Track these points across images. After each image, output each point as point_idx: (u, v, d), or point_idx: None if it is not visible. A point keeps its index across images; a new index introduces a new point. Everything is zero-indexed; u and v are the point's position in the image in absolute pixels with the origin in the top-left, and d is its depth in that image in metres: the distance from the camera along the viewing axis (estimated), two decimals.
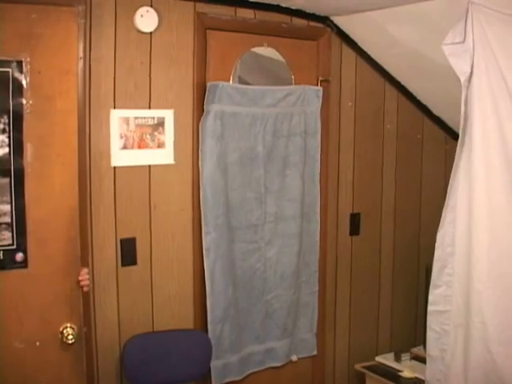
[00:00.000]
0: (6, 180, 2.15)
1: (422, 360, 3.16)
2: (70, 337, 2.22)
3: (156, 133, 2.85)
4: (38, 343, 2.24)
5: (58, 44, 2.20)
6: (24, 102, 2.16)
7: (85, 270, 2.36)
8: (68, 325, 2.25)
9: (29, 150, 2.16)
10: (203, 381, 3.01)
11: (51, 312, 2.25)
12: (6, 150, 2.15)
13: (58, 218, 2.25)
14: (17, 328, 2.19)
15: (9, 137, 2.14)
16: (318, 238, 3.39)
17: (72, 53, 2.23)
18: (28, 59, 2.15)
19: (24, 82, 2.16)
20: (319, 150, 3.32)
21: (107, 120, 2.69)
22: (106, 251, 2.73)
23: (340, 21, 3.30)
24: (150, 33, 2.77)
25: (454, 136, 3.50)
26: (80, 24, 2.59)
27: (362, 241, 3.67)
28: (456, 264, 2.67)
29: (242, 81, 3.06)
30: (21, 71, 2.15)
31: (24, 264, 2.18)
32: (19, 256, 2.17)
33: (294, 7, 3.14)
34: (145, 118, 2.81)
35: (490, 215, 2.52)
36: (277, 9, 3.10)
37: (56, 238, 2.24)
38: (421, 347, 3.56)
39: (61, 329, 2.25)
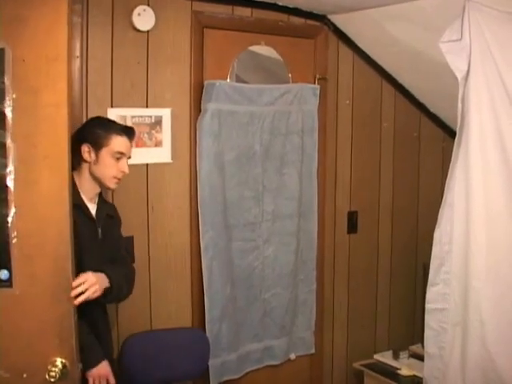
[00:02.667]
0: None
1: (420, 358, 3.16)
2: (53, 373, 1.88)
3: (153, 131, 2.85)
4: (25, 375, 1.91)
5: (46, 27, 1.89)
6: (6, 95, 1.86)
7: (87, 276, 2.11)
8: (57, 359, 1.91)
9: (12, 151, 1.86)
10: (201, 379, 3.01)
11: (39, 341, 1.93)
12: None
13: (45, 230, 1.92)
14: (2, 354, 1.90)
15: None
16: (315, 236, 3.39)
17: (61, 37, 1.91)
18: (10, 46, 1.85)
19: (6, 73, 1.85)
20: (316, 148, 3.33)
21: None
22: None
23: (337, 19, 3.30)
24: (147, 31, 2.77)
25: (451, 134, 3.50)
26: (76, 22, 2.61)
27: (359, 239, 3.67)
28: (453, 262, 2.67)
29: (239, 79, 3.06)
30: (2, 60, 1.85)
31: (9, 283, 1.90)
32: (3, 273, 1.90)
33: (291, 5, 3.14)
34: (142, 116, 2.81)
35: (487, 213, 2.52)
36: (274, 7, 3.11)
37: (43, 255, 1.92)
38: (419, 345, 3.56)
39: (48, 362, 1.91)
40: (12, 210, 1.88)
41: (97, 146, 2.35)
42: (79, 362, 1.98)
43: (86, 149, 2.35)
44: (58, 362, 1.91)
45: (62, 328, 1.94)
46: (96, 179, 2.38)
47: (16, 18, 1.86)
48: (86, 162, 2.36)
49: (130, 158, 2.46)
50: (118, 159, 2.38)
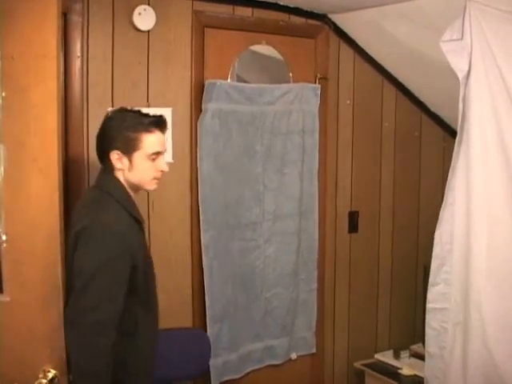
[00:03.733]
0: None
1: (421, 357, 3.16)
2: None
3: None
4: None
5: (35, 24, 1.82)
6: None
7: None
8: (48, 369, 1.84)
9: (1, 152, 1.78)
10: (202, 379, 3.01)
11: (30, 350, 1.85)
12: None
13: (34, 235, 1.83)
14: None
15: None
16: (316, 236, 3.39)
17: (50, 33, 1.84)
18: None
19: None
20: (317, 147, 3.32)
21: None
22: None
23: (338, 18, 3.30)
24: (148, 31, 2.77)
25: (452, 134, 3.49)
26: (77, 22, 2.61)
27: (360, 239, 3.67)
28: (454, 262, 2.67)
29: (240, 79, 3.07)
30: None
31: None
32: None
33: (291, 5, 3.14)
34: None
35: (488, 213, 2.52)
36: (275, 7, 3.11)
37: (33, 262, 1.84)
38: (420, 345, 3.56)
39: (40, 371, 1.84)
40: (1, 214, 1.80)
41: (127, 152, 2.08)
42: (69, 373, 1.93)
43: (115, 156, 2.08)
44: (50, 372, 1.84)
45: (52, 337, 1.87)
46: (133, 185, 2.14)
47: (4, 15, 1.78)
48: (119, 169, 2.11)
49: (165, 151, 2.20)
50: (154, 159, 2.13)
